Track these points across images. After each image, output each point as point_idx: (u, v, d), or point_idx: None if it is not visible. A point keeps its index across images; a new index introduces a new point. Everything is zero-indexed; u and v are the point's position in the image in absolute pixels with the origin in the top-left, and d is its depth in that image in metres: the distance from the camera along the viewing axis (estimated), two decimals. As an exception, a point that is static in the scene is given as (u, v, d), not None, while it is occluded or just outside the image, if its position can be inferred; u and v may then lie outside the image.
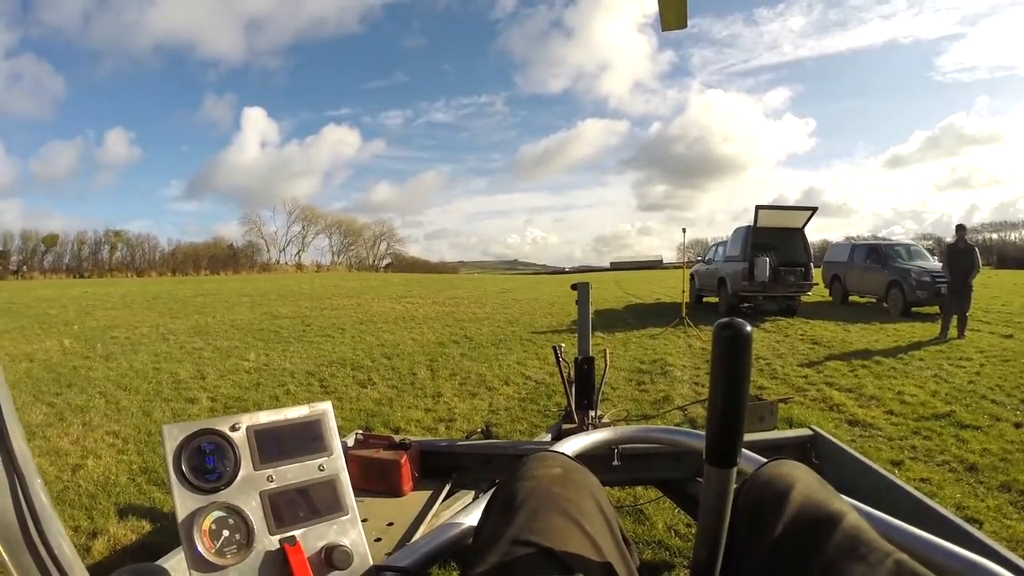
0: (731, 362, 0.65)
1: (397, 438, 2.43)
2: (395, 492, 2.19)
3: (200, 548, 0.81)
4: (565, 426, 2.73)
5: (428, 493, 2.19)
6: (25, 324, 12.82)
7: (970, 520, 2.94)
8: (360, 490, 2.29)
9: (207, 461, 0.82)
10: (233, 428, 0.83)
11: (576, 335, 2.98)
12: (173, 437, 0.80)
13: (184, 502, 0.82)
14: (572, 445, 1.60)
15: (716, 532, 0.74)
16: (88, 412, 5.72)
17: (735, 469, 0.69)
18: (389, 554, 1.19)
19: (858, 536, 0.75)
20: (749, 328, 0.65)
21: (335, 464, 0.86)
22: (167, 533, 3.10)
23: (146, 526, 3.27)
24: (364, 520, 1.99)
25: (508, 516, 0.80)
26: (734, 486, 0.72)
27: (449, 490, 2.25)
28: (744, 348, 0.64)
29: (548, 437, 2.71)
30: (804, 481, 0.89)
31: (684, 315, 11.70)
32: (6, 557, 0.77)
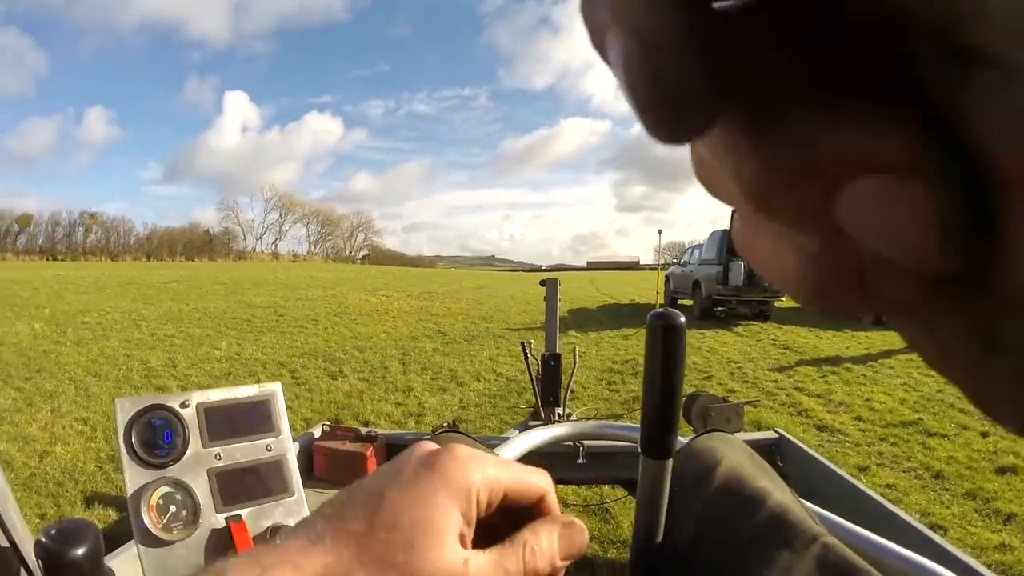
0: (664, 353, 0.64)
1: (364, 430, 2.48)
2: (359, 484, 2.24)
3: (147, 522, 0.82)
4: (531, 423, 2.79)
5: (392, 486, 2.24)
6: (-6, 306, 12.64)
7: (935, 527, 3.04)
8: (325, 482, 2.34)
9: (157, 436, 0.84)
10: (183, 404, 0.85)
11: None
12: (124, 410, 0.82)
13: (133, 476, 0.83)
14: (527, 440, 1.63)
15: (652, 526, 0.73)
16: (57, 398, 5.69)
17: (671, 461, 0.69)
18: None
19: (783, 517, 0.70)
20: (682, 319, 0.65)
21: (283, 445, 0.89)
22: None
23: (112, 514, 3.28)
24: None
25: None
26: (670, 477, 0.71)
27: None
28: (677, 339, 0.64)
29: (516, 433, 2.76)
30: (731, 457, 0.84)
31: (657, 316, 11.74)
32: None
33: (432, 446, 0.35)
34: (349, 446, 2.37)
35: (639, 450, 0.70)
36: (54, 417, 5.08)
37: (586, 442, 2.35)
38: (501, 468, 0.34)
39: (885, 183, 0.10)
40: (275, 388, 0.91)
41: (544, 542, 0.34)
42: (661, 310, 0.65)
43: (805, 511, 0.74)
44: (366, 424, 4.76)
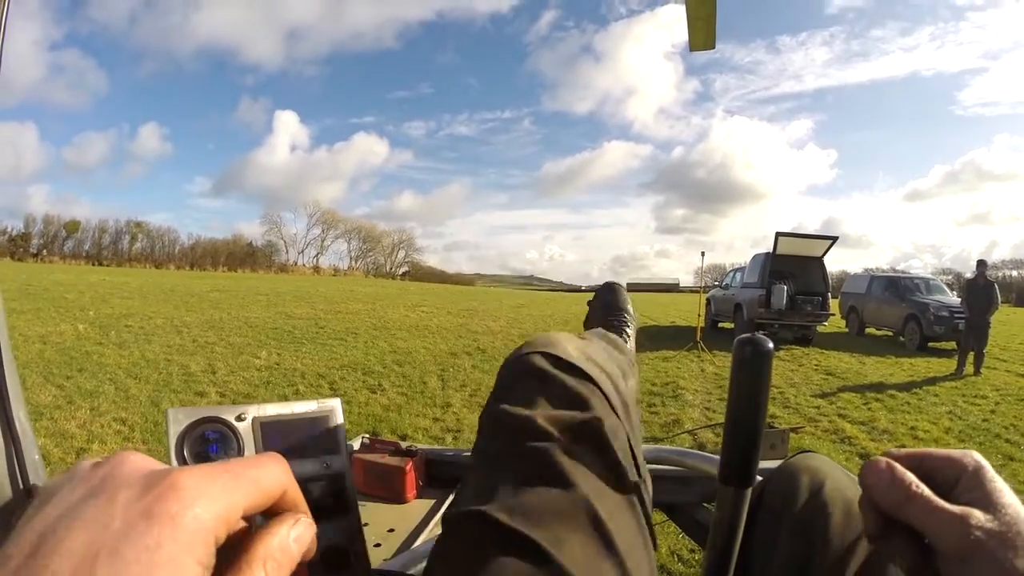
0: (751, 378, 0.62)
1: (403, 444, 2.40)
2: (398, 499, 2.15)
3: None
4: None
5: (431, 502, 2.15)
6: (41, 306, 12.91)
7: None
8: (363, 495, 2.25)
9: (210, 449, 0.78)
10: (239, 418, 0.79)
11: None
12: (177, 422, 0.77)
13: None
14: None
15: (727, 554, 0.70)
16: (97, 397, 5.73)
17: (750, 490, 0.66)
18: (388, 560, 1.14)
19: None
20: (771, 345, 0.62)
21: (340, 463, 0.82)
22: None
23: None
24: (365, 524, 1.95)
25: None
26: (747, 507, 0.68)
27: (452, 500, 2.21)
28: (764, 365, 0.62)
29: None
30: (834, 477, 0.80)
31: (698, 339, 11.57)
32: None
33: (135, 473, 0.27)
34: (389, 460, 2.27)
35: (717, 478, 0.67)
36: (93, 416, 5.11)
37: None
38: (234, 487, 0.29)
39: None
40: (334, 404, 0.84)
41: (280, 555, 0.30)
42: (749, 334, 0.63)
43: None
44: (403, 438, 4.69)
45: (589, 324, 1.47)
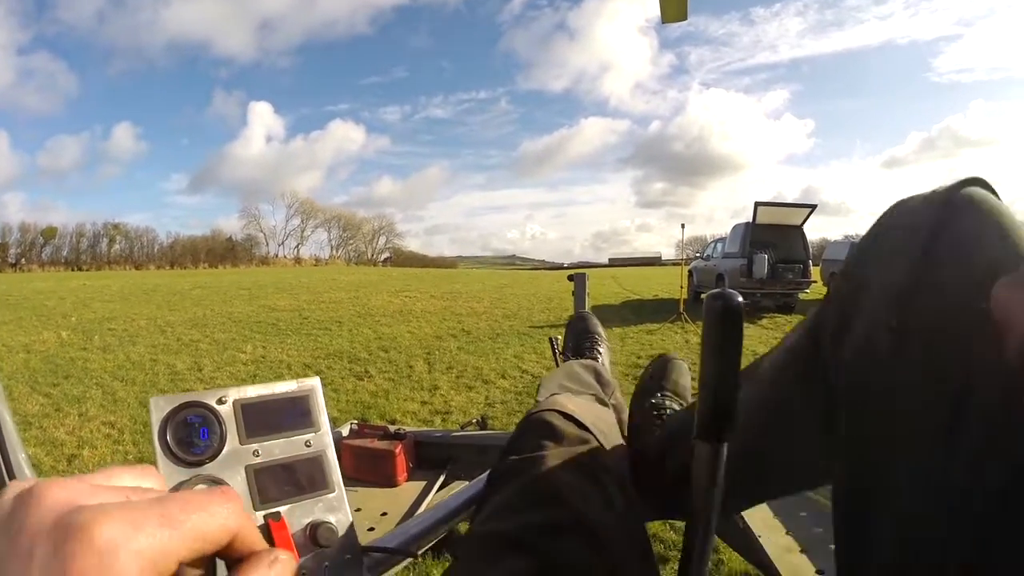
0: (722, 333, 0.61)
1: (392, 428, 2.43)
2: (389, 482, 2.20)
3: None
4: None
5: (422, 484, 2.20)
6: (23, 315, 12.78)
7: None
8: (354, 480, 2.29)
9: (193, 434, 0.81)
10: (220, 401, 0.81)
11: None
12: (159, 409, 0.79)
13: (169, 474, 0.79)
14: None
15: (708, 512, 0.69)
16: (85, 403, 5.71)
17: (725, 446, 0.65)
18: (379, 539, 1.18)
19: None
20: (740, 298, 0.61)
21: (322, 440, 0.84)
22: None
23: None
24: (358, 510, 1.99)
25: None
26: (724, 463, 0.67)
27: (443, 481, 2.25)
28: (735, 319, 0.61)
29: None
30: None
31: (682, 311, 11.68)
32: None
33: (44, 522, 0.24)
34: (378, 444, 2.32)
35: (693, 435, 0.65)
36: (82, 421, 5.10)
37: None
38: (165, 535, 0.25)
39: None
40: (314, 383, 0.86)
41: None
42: (719, 290, 0.62)
43: None
44: (393, 422, 4.73)
45: (565, 347, 1.66)
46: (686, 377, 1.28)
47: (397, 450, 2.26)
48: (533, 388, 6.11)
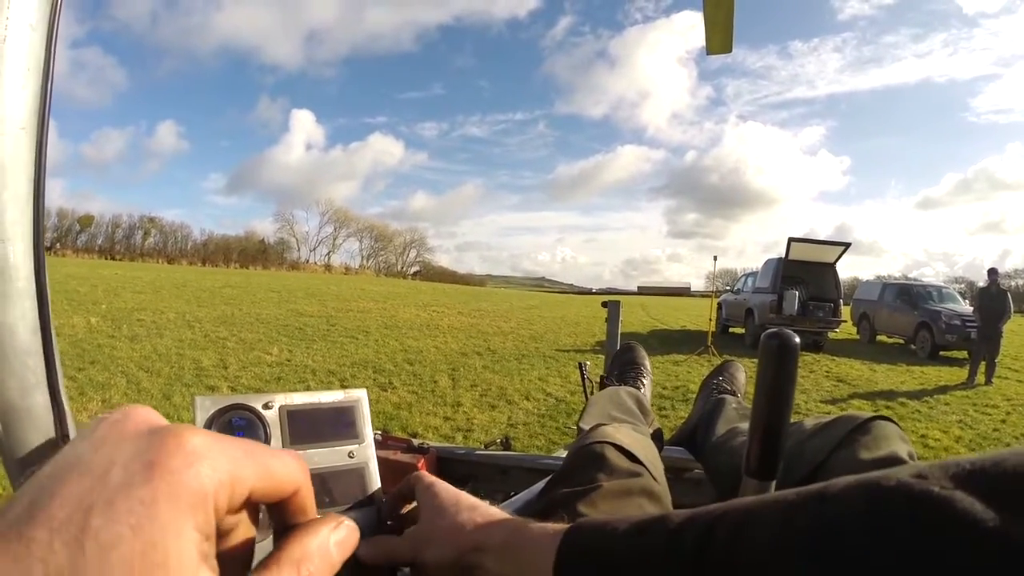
0: (777, 372, 0.63)
1: (416, 442, 2.39)
2: (411, 496, 2.14)
3: None
4: None
5: (444, 500, 2.13)
6: (54, 299, 12.66)
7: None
8: (375, 491, 2.24)
9: (237, 436, 0.76)
10: (266, 406, 0.78)
11: (602, 355, 2.92)
12: (204, 409, 0.76)
13: None
14: None
15: None
16: (109, 390, 5.75)
17: (774, 483, 0.66)
18: None
19: None
20: (797, 339, 0.64)
21: (365, 452, 0.80)
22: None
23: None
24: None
25: None
26: None
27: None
28: (790, 359, 0.63)
29: (566, 454, 2.64)
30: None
31: (709, 344, 11.52)
32: None
33: (141, 426, 0.26)
34: (401, 456, 2.26)
35: (742, 472, 0.68)
36: (104, 408, 5.12)
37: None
38: (244, 461, 0.27)
39: None
40: (361, 394, 0.82)
41: (318, 561, 0.29)
42: (776, 329, 0.65)
43: None
44: (414, 436, 4.68)
45: (610, 372, 1.77)
46: (742, 373, 1.54)
47: (420, 464, 2.21)
48: (557, 411, 6.04)
